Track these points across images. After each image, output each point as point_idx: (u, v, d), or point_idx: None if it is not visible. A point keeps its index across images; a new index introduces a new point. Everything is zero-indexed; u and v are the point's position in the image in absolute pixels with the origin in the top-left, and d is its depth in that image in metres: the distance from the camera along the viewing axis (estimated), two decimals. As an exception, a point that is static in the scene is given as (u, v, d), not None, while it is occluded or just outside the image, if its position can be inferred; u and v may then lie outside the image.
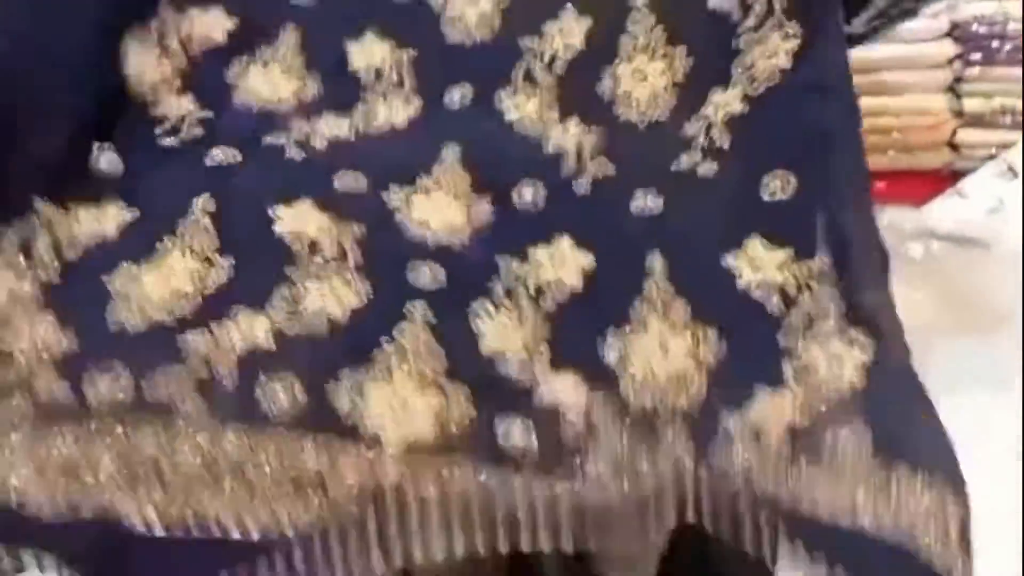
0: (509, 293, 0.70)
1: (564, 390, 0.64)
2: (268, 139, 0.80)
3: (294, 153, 0.79)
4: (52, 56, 0.78)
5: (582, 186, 0.81)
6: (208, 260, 0.69)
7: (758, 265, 0.73)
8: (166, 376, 0.62)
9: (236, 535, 0.58)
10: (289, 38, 0.86)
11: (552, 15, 0.88)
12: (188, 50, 0.84)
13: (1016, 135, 1.72)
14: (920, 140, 1.78)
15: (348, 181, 0.77)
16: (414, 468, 0.59)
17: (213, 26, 0.85)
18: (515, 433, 0.61)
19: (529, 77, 0.86)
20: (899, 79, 1.74)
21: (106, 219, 0.72)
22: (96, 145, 0.78)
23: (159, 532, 0.59)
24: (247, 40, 0.86)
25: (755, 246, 0.74)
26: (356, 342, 0.63)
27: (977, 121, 1.75)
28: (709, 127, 0.83)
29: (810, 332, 0.69)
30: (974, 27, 1.70)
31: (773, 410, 0.64)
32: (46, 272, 0.69)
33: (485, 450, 0.60)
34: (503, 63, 0.87)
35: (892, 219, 1.66)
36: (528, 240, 0.74)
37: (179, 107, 0.81)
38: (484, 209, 0.77)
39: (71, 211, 0.72)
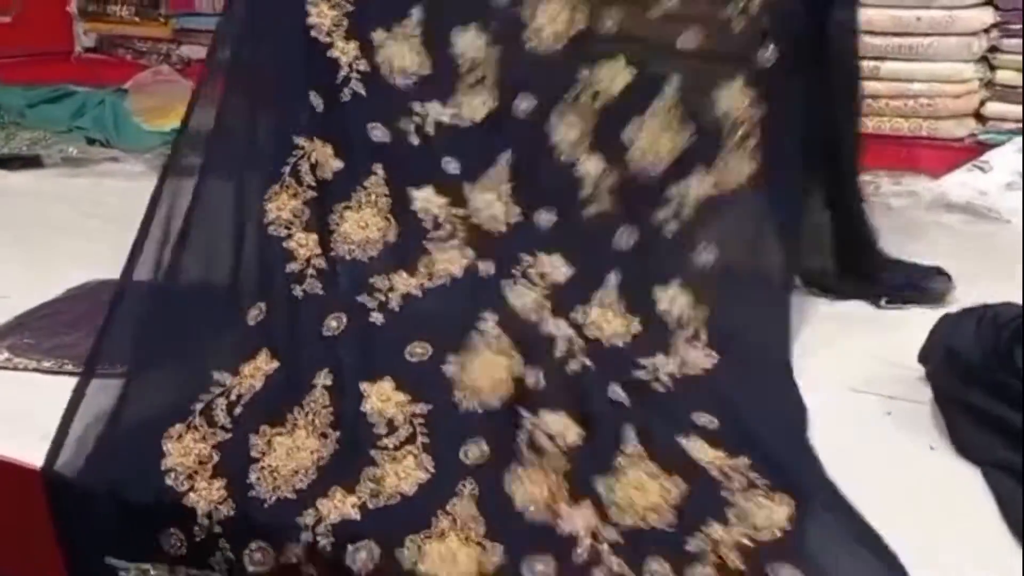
0: (532, 444, 0.90)
1: (579, 520, 0.83)
2: (359, 299, 1.04)
3: (376, 318, 1.03)
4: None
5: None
6: (324, 435, 0.91)
7: (703, 453, 0.91)
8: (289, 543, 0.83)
9: None
10: (377, 180, 1.11)
11: (607, 56, 1.15)
12: (313, 182, 1.09)
13: (1044, 111, 1.68)
14: (946, 109, 1.74)
15: (417, 351, 1.00)
16: None
17: (327, 162, 1.11)
18: (538, 567, 0.80)
19: (576, 103, 1.14)
20: (931, 45, 1.70)
21: (258, 374, 0.97)
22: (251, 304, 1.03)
23: None
24: (349, 179, 1.11)
25: (699, 445, 0.92)
26: (419, 513, 0.83)
27: (1007, 93, 1.71)
28: (683, 200, 1.13)
29: (744, 493, 0.86)
30: (1018, -6, 1.66)
31: (724, 540, 0.81)
32: (219, 433, 0.92)
33: None
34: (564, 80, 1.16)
35: (910, 187, 1.64)
36: (542, 408, 0.94)
37: (305, 245, 1.07)
38: (518, 368, 0.98)
39: (240, 372, 0.97)
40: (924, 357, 1.02)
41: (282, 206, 1.07)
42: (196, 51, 2.21)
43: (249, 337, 0.99)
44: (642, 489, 0.87)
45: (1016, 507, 0.83)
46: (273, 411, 0.92)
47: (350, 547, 0.81)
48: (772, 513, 0.83)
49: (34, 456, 0.90)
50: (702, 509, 0.84)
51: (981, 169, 1.65)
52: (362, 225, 1.10)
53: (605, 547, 0.81)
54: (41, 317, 1.15)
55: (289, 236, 1.07)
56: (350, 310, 1.03)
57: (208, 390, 0.94)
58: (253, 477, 0.87)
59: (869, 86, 1.75)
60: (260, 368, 0.97)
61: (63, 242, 1.40)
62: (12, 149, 1.77)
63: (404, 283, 1.07)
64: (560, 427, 0.92)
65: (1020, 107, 1.69)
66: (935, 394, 0.98)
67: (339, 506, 0.84)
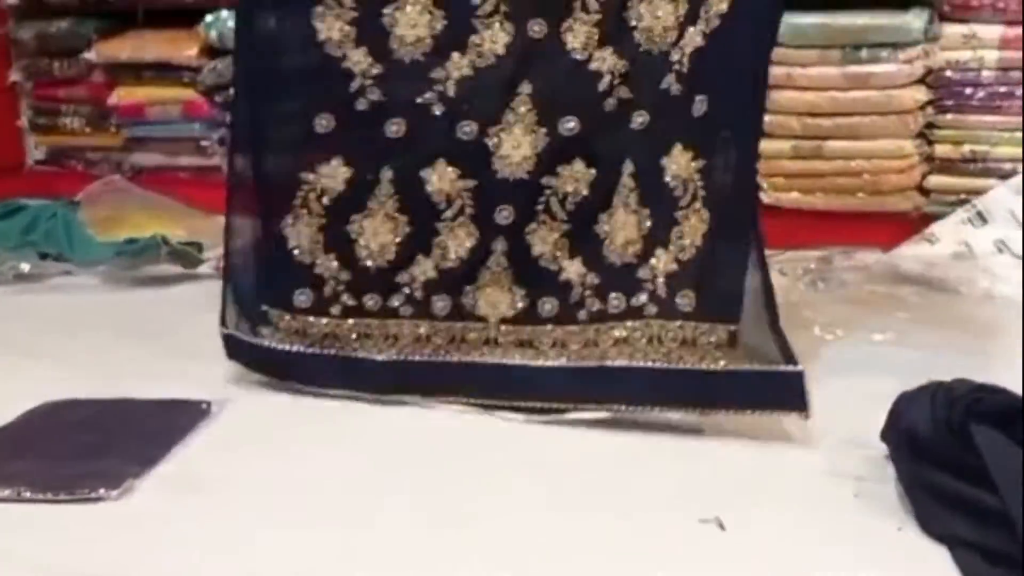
0: (547, 207, 1.20)
1: (573, 269, 1.21)
2: (418, 99, 1.20)
3: (436, 110, 1.20)
4: None
5: (608, 106, 1.19)
6: (394, 219, 1.23)
7: (678, 163, 1.18)
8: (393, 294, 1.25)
9: None
10: None
11: None
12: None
13: (985, 181, 1.72)
14: (890, 184, 1.78)
15: (466, 130, 1.19)
16: None
17: None
18: (546, 307, 1.22)
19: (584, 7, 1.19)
20: (871, 123, 1.74)
21: (337, 177, 1.24)
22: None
23: None
24: None
25: (679, 150, 1.17)
26: (472, 270, 1.21)
27: (947, 167, 1.75)
28: (681, 56, 1.17)
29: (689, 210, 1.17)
30: (948, 73, 1.71)
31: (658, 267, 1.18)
32: (317, 220, 1.24)
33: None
34: None
35: (860, 261, 1.67)
36: (562, 162, 1.19)
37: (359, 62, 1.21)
38: (542, 139, 1.19)
39: (317, 172, 1.24)
40: (885, 436, 1.03)
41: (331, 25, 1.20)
42: (148, 158, 2.22)
43: (319, 144, 1.21)
44: (624, 228, 1.18)
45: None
46: (356, 203, 1.20)
47: (433, 297, 1.21)
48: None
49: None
50: (657, 240, 1.17)
51: (929, 241, 1.69)
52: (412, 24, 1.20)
53: (589, 292, 1.19)
54: (-6, 443, 1.12)
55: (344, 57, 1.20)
56: (410, 113, 1.19)
57: (301, 188, 1.21)
58: (357, 252, 1.20)
59: (814, 165, 1.79)
60: (338, 173, 1.20)
61: (17, 363, 1.38)
62: (-37, 269, 1.75)
63: (458, 66, 1.19)
64: (574, 185, 1.19)
65: (960, 180, 1.74)
66: (898, 473, 0.99)
67: (425, 270, 1.20)
